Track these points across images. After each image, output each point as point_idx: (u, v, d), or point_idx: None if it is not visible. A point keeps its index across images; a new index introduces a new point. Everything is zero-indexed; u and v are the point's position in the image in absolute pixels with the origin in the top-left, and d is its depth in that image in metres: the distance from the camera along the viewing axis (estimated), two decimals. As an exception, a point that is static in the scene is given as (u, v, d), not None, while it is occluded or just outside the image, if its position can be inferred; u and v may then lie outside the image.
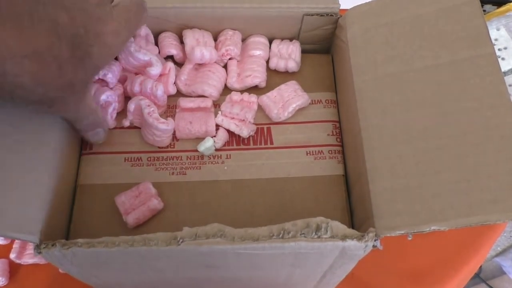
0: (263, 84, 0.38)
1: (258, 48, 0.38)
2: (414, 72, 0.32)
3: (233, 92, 0.37)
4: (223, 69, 0.38)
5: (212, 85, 0.36)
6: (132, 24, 0.30)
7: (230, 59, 0.39)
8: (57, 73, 0.24)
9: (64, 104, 0.27)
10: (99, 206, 0.33)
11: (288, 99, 0.36)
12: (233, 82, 0.37)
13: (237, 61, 0.39)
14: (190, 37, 0.37)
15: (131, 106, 0.34)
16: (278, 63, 0.38)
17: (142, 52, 0.34)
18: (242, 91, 0.37)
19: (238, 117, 0.35)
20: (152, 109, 0.34)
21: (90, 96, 0.30)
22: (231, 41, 0.38)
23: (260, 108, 0.37)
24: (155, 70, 0.35)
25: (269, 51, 0.39)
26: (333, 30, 0.38)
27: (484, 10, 0.72)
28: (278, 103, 0.36)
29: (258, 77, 0.37)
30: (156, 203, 0.32)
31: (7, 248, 0.43)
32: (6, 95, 0.24)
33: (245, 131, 0.35)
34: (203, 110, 0.36)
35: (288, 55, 0.39)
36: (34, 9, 0.21)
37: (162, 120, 0.34)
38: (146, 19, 0.33)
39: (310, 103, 0.37)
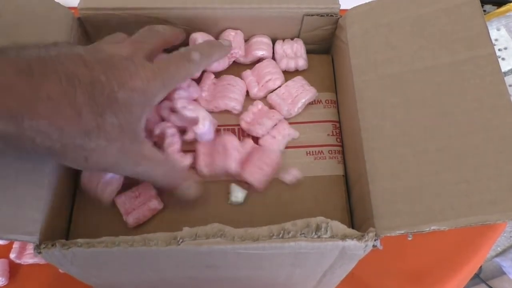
0: (284, 82, 0.38)
1: (261, 48, 0.38)
2: (414, 72, 0.32)
3: (241, 118, 0.36)
4: (242, 80, 0.37)
5: (234, 98, 0.36)
6: (170, 75, 0.29)
7: (234, 61, 0.38)
8: (74, 117, 0.24)
9: (102, 153, 0.26)
10: (99, 206, 0.33)
11: (296, 95, 0.36)
12: (256, 92, 0.37)
13: (250, 71, 0.38)
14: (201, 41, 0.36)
15: (157, 131, 0.33)
16: (288, 64, 0.38)
17: (188, 108, 0.33)
18: (246, 105, 0.37)
19: (274, 122, 0.35)
20: (175, 139, 0.33)
21: (147, 147, 0.29)
22: (235, 43, 0.37)
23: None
24: (202, 128, 0.33)
25: (272, 51, 0.39)
26: (333, 31, 0.38)
27: (484, 10, 0.72)
28: (287, 99, 0.36)
29: (278, 79, 0.37)
30: (156, 203, 0.32)
31: (7, 248, 0.43)
32: (29, 145, 0.24)
33: (295, 133, 0.35)
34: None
35: (294, 54, 0.39)
36: (50, 65, 0.24)
37: (181, 153, 0.33)
38: (197, 70, 0.32)
39: (310, 104, 0.37)
